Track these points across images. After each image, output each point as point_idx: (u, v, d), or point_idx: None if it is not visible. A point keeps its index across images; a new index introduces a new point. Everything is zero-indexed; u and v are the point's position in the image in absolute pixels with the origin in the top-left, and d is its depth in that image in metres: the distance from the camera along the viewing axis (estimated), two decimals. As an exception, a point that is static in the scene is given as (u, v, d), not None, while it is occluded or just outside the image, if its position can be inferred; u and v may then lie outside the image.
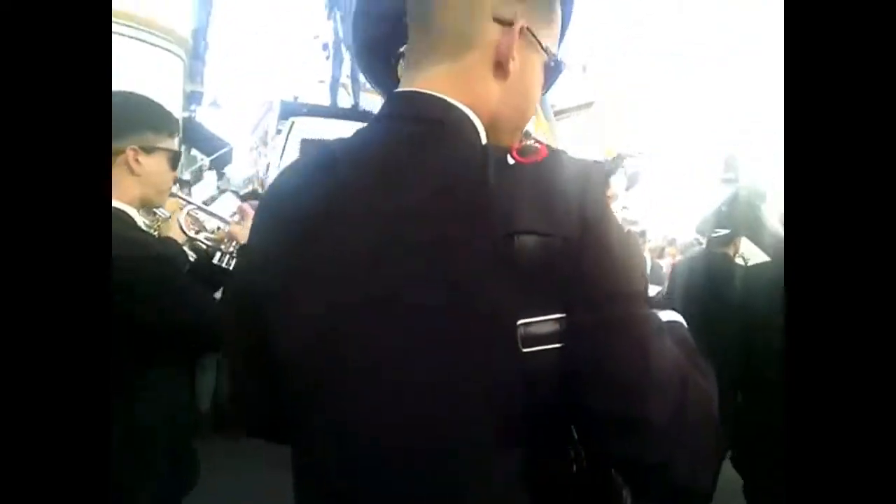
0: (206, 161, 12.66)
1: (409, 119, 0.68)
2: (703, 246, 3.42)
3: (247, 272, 0.80)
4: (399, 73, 0.81)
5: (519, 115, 0.73)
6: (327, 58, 7.89)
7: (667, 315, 0.78)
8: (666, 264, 8.41)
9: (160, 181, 1.46)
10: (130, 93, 1.46)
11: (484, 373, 0.59)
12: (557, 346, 0.57)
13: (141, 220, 1.48)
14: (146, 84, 8.18)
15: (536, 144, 0.66)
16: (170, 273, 1.42)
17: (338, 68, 7.80)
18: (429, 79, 0.68)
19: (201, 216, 2.09)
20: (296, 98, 8.62)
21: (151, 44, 8.42)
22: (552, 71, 0.74)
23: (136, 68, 8.06)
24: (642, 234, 6.88)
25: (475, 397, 0.60)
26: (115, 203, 1.35)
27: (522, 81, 0.70)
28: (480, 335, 0.59)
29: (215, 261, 1.72)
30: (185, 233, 1.94)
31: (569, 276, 0.58)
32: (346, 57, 7.72)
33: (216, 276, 1.65)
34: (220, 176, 14.45)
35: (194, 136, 12.11)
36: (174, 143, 1.50)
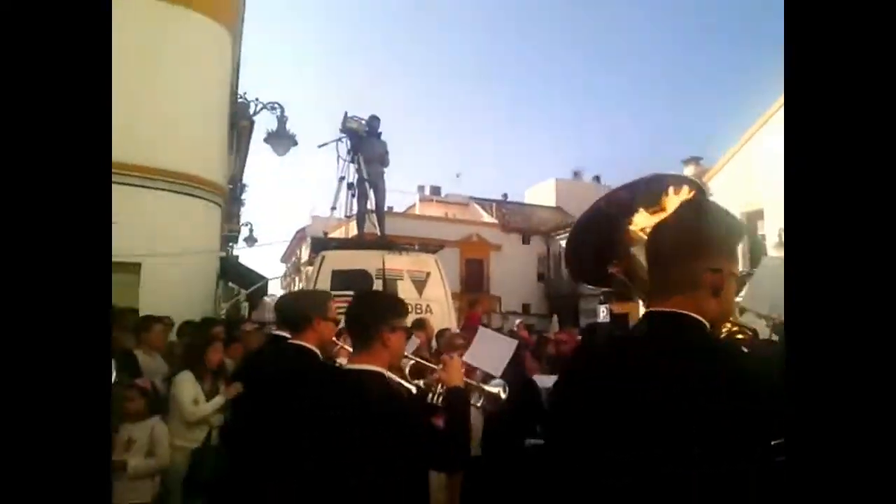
0: (243, 294, 13.27)
1: (667, 325, 1.15)
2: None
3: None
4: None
5: (726, 315, 1.24)
6: (353, 195, 8.53)
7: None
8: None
9: (400, 350, 2.13)
10: (377, 292, 2.16)
11: None
12: None
13: (387, 375, 2.07)
14: (188, 232, 8.95)
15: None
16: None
17: (363, 204, 8.43)
18: (671, 303, 1.16)
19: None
20: (325, 234, 9.21)
21: (192, 195, 9.28)
22: (740, 280, 1.20)
23: (178, 220, 8.84)
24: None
25: None
26: (375, 367, 1.96)
27: (727, 296, 1.16)
28: None
29: (429, 399, 2.38)
30: (408, 382, 2.62)
31: None
32: (370, 194, 8.38)
33: (430, 409, 2.32)
34: (256, 306, 15.07)
35: (232, 272, 12.81)
36: (407, 323, 2.17)
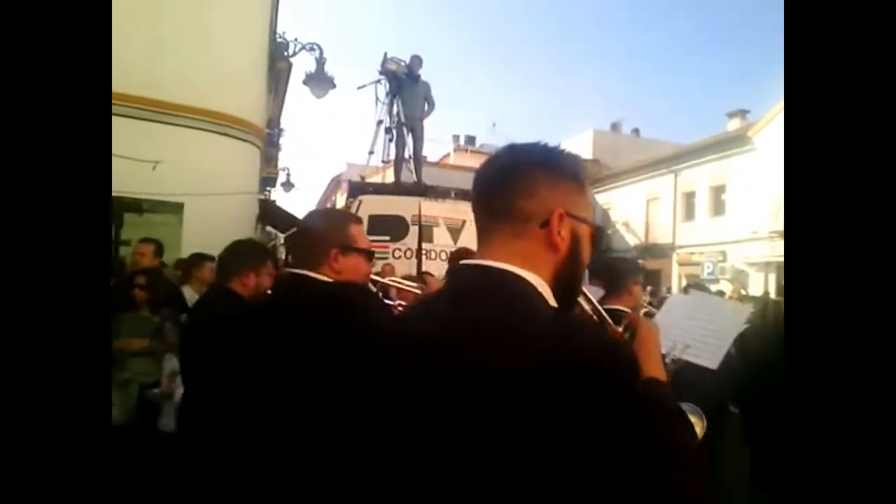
0: (281, 238, 13.53)
1: None
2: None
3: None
4: None
5: None
6: (390, 140, 8.51)
7: None
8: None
9: (640, 297, 2.98)
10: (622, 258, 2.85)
11: None
12: None
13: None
14: (228, 173, 9.08)
15: None
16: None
17: (401, 149, 8.41)
18: None
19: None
20: (362, 178, 9.26)
21: (231, 136, 9.37)
22: None
23: (219, 160, 8.97)
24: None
25: None
26: (625, 308, 2.65)
27: None
28: None
29: None
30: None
31: None
32: (409, 139, 8.34)
33: None
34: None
35: (270, 215, 12.99)
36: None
